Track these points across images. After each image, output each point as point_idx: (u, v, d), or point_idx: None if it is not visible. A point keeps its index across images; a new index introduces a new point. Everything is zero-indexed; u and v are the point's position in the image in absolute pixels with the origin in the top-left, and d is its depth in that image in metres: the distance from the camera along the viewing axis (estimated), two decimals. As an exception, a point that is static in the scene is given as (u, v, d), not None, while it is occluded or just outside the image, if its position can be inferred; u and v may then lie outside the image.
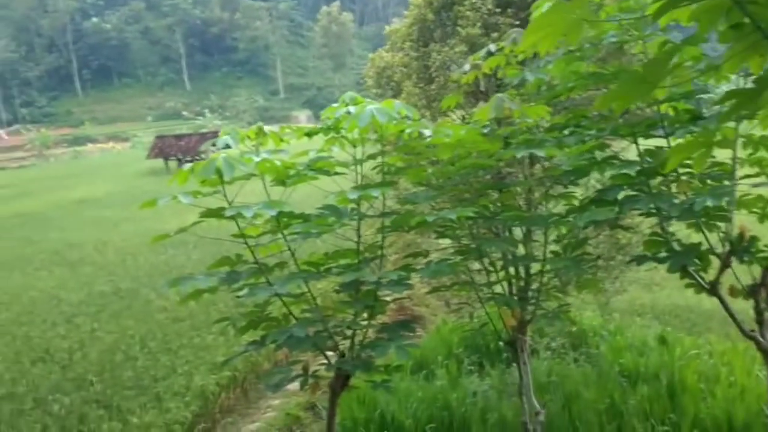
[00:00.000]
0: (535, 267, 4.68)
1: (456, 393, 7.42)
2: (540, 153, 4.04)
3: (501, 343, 9.07)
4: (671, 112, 4.46)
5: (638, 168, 4.44)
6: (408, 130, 3.74)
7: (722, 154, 4.32)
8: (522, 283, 4.55)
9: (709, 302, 12.11)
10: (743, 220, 4.36)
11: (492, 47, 4.49)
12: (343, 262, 4.13)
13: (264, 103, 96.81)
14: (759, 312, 4.12)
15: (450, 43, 7.99)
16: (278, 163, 3.59)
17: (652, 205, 4.19)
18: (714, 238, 4.27)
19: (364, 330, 4.13)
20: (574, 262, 4.24)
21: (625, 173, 4.56)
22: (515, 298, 4.63)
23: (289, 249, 3.83)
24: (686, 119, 4.34)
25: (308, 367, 4.14)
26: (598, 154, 4.63)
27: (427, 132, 3.71)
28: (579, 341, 8.94)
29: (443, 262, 4.14)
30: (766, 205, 4.32)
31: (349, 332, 4.09)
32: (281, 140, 4.08)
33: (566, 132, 4.57)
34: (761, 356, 4.18)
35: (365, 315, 4.07)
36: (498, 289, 4.70)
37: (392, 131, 3.76)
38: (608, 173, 4.60)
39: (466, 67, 4.57)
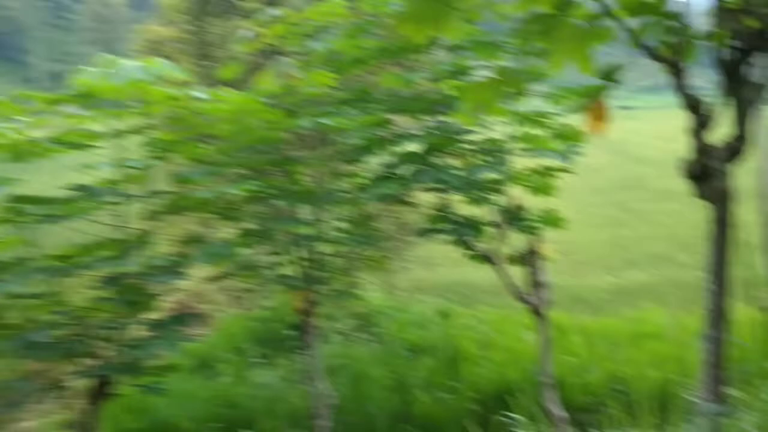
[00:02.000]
0: (328, 249, 4.55)
1: (242, 388, 7.11)
2: (327, 122, 3.87)
3: (290, 332, 8.96)
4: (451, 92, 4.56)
5: (424, 145, 4.49)
6: (178, 93, 3.33)
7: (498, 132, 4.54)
8: (310, 264, 4.38)
9: (481, 277, 13.09)
10: (514, 193, 4.61)
11: (275, 12, 4.22)
12: (103, 254, 3.61)
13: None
14: (529, 277, 4.37)
15: (229, 17, 7.57)
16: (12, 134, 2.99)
17: (435, 180, 4.26)
18: (489, 210, 4.47)
19: (129, 330, 3.65)
20: (363, 238, 4.17)
21: (411, 152, 4.61)
22: (303, 279, 4.45)
23: (27, 239, 3.22)
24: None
25: (59, 378, 3.58)
26: (384, 132, 4.62)
27: (201, 95, 3.34)
28: (366, 322, 9.07)
29: (222, 245, 3.81)
30: (533, 178, 4.60)
31: (112, 334, 3.59)
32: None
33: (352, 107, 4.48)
34: (534, 318, 4.44)
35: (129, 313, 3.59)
36: (286, 273, 4.48)
37: (159, 97, 3.32)
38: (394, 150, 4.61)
39: (247, 33, 4.25)
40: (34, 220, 3.23)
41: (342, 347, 8.01)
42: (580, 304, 10.68)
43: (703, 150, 1.62)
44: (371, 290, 10.62)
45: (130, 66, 3.02)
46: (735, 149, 1.61)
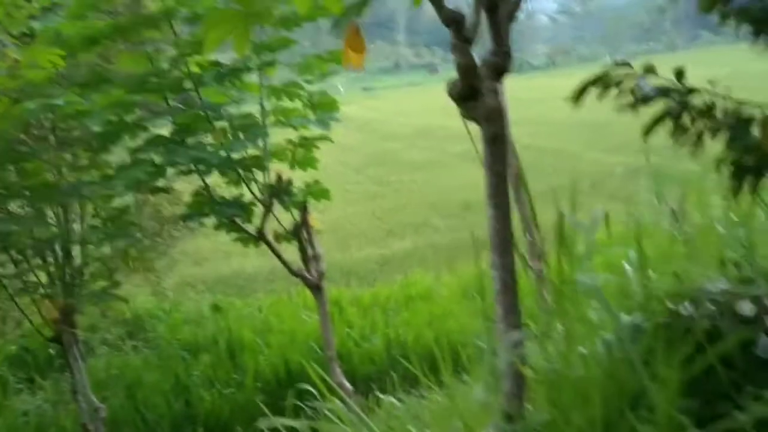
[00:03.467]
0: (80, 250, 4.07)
1: (4, 418, 6.22)
2: (58, 103, 3.41)
3: (51, 351, 8.03)
4: (196, 70, 4.31)
5: (173, 126, 4.21)
6: None
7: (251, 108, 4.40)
8: (60, 269, 3.88)
9: (251, 265, 12.89)
10: (277, 168, 4.52)
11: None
12: None
13: None
14: (303, 250, 4.34)
15: None
16: None
17: (188, 161, 4.01)
18: (254, 189, 4.33)
19: None
20: (118, 235, 3.78)
21: (159, 135, 4.30)
22: (54, 287, 3.94)
23: None
24: (213, 70, 4.25)
25: None
26: (129, 117, 4.25)
27: None
28: (136, 328, 8.45)
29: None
30: (293, 151, 4.55)
31: None
32: None
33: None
34: (313, 292, 4.42)
35: None
36: (34, 281, 3.94)
37: None
38: (142, 137, 4.27)
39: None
40: None
41: (112, 358, 7.38)
42: (349, 277, 11.02)
43: (468, 68, 1.62)
44: (137, 292, 9.90)
45: None
46: (499, 66, 1.64)
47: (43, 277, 3.96)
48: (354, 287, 9.92)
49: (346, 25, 1.54)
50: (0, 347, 8.11)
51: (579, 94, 1.71)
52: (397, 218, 15.60)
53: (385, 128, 29.12)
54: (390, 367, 6.39)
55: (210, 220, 4.40)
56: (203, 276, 12.79)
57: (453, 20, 1.61)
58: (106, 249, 4.29)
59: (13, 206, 4.22)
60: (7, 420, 6.26)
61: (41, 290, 3.89)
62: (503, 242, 1.65)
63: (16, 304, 4.22)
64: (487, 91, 1.61)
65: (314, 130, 4.36)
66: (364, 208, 16.25)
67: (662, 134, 1.67)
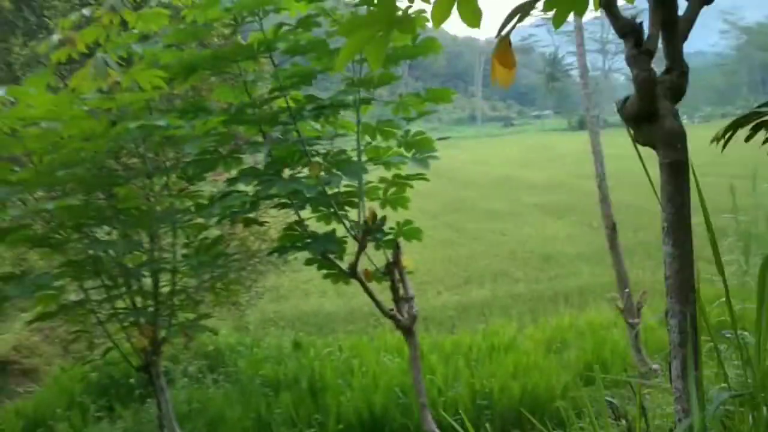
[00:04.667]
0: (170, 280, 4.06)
1: (80, 447, 6.27)
2: (161, 124, 3.43)
3: (132, 380, 8.14)
4: (291, 104, 4.30)
5: (268, 158, 4.20)
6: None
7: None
8: (151, 298, 3.87)
9: (330, 305, 12.86)
10: (370, 206, 4.42)
11: (86, 11, 3.72)
12: None
13: None
14: (395, 290, 4.17)
15: (39, 37, 6.77)
16: None
17: (284, 193, 3.97)
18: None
19: None
20: (209, 262, 3.75)
21: (253, 167, 4.31)
22: (143, 315, 3.92)
23: None
24: (306, 105, 4.24)
25: None
26: (223, 149, 4.28)
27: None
28: (216, 362, 8.46)
29: (42, 276, 3.23)
30: (385, 191, 4.45)
31: None
32: None
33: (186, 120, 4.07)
34: (404, 334, 4.24)
35: None
36: (123, 308, 3.93)
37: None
38: (237, 169, 4.28)
39: (55, 38, 3.69)
40: None
41: (192, 391, 7.36)
42: (427, 323, 10.77)
43: (647, 82, 1.43)
44: (221, 329, 9.99)
45: None
46: (676, 86, 1.44)
47: (130, 305, 3.95)
48: (433, 333, 9.68)
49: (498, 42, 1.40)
50: (83, 375, 8.31)
51: (726, 134, 1.51)
52: (475, 266, 15.30)
53: (462, 176, 29.04)
54: (476, 418, 6.09)
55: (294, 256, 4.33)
56: (283, 313, 12.85)
57: (630, 29, 1.43)
58: (193, 281, 4.28)
59: (101, 233, 4.27)
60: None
61: (131, 318, 3.87)
62: (684, 286, 1.40)
63: (105, 330, 4.24)
64: (666, 112, 1.40)
65: (408, 169, 4.26)
66: (441, 254, 16.06)
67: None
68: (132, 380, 8.04)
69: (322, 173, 4.02)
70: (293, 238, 4.25)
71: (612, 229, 6.98)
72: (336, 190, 4.09)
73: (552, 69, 76.59)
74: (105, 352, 5.96)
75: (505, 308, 11.81)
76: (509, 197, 23.45)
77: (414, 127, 4.34)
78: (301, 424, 6.34)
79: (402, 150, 4.29)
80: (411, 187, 4.30)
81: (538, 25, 50.95)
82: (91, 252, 3.66)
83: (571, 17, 1.41)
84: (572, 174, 26.36)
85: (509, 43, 1.43)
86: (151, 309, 3.84)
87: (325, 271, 4.31)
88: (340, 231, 4.22)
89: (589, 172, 8.03)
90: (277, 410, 6.57)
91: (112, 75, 3.21)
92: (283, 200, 4.12)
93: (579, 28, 7.20)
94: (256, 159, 4.78)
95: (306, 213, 4.23)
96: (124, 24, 3.98)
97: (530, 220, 19.06)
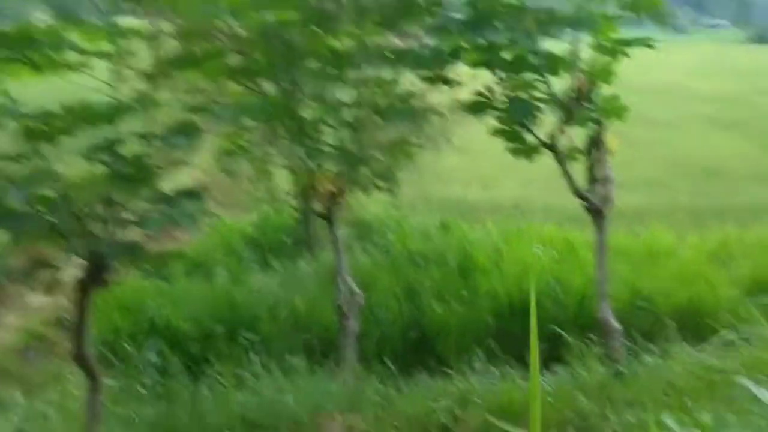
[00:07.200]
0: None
1: (241, 291, 6.66)
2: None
3: (284, 239, 8.50)
4: None
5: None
6: None
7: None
8: (348, 138, 3.79)
9: (474, 195, 12.65)
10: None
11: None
12: (94, 117, 2.99)
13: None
14: (591, 170, 3.87)
15: None
16: None
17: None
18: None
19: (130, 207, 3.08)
20: (409, 111, 3.61)
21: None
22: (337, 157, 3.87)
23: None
24: None
25: (44, 258, 3.03)
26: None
27: None
28: (365, 231, 8.59)
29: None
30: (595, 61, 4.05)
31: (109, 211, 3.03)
32: None
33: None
34: (593, 217, 3.96)
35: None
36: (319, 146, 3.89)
37: None
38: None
39: None
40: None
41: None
42: (575, 223, 10.33)
43: None
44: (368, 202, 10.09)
45: None
46: None
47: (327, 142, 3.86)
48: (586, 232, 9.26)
49: None
50: (240, 228, 8.74)
51: None
52: (629, 173, 14.46)
53: (626, 81, 27.01)
54: (633, 317, 5.82)
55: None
56: (426, 197, 12.84)
57: None
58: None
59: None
60: (244, 293, 6.67)
61: (323, 157, 3.79)
62: None
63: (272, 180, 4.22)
64: None
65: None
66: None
67: None
68: (284, 239, 8.40)
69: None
70: (482, 105, 4.01)
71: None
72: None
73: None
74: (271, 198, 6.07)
75: (661, 217, 11.13)
76: (675, 106, 21.75)
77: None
78: (449, 298, 6.35)
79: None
80: (627, 56, 3.86)
81: None
82: (285, 86, 3.58)
83: None
84: (748, 89, 23.94)
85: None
86: (347, 152, 3.77)
87: (512, 145, 4.07)
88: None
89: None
90: (425, 283, 6.60)
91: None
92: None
93: None
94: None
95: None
96: None
97: (696, 132, 17.65)
